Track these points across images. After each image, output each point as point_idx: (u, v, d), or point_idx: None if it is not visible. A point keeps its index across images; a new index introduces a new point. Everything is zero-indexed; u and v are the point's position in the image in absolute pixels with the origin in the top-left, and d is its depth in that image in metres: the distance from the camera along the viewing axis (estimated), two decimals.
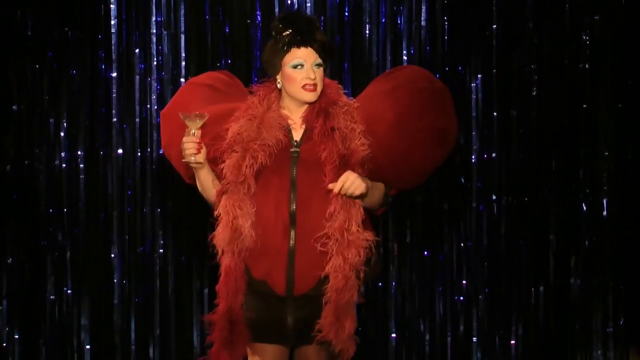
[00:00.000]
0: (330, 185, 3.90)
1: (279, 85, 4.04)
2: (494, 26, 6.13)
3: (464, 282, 6.20)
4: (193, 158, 3.93)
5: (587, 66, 6.15)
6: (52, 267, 6.13)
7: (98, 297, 6.15)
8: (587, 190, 6.16)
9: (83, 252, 6.13)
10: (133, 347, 6.17)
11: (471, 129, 6.17)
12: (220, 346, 4.04)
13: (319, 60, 3.98)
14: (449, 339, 6.22)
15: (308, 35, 3.97)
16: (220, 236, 3.99)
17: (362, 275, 3.97)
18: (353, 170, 3.92)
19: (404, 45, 6.12)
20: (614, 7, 6.12)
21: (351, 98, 4.11)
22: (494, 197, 6.18)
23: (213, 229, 4.01)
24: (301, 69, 3.98)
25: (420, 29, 6.13)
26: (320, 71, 3.99)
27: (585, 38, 6.15)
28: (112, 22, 6.11)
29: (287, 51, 3.98)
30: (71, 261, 6.13)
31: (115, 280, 6.15)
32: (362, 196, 3.94)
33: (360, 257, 3.94)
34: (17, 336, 6.14)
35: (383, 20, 6.12)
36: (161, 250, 6.16)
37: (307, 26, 3.98)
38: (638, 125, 6.15)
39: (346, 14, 6.11)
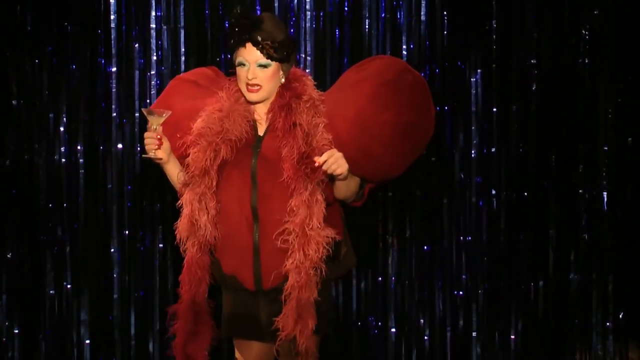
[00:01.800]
0: (316, 158, 3.86)
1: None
2: (494, 21, 6.13)
3: (463, 277, 6.20)
4: (153, 153, 3.95)
5: (586, 61, 6.15)
6: (51, 262, 6.12)
7: (98, 292, 6.15)
8: (587, 185, 6.16)
9: (83, 247, 6.13)
10: (133, 342, 6.17)
11: (471, 124, 6.17)
12: (185, 338, 4.06)
13: (264, 60, 3.94)
14: (448, 333, 6.22)
15: (250, 34, 3.94)
16: (179, 230, 4.06)
17: (323, 272, 3.96)
18: (314, 167, 3.91)
19: (403, 40, 6.12)
20: (613, 1, 6.12)
21: (320, 92, 4.08)
22: (493, 192, 6.18)
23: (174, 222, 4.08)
24: (243, 68, 3.97)
25: (419, 24, 6.12)
26: (264, 71, 3.94)
27: (584, 33, 6.15)
28: (112, 17, 6.10)
29: (236, 49, 3.99)
30: (71, 256, 6.13)
31: (115, 275, 6.15)
32: (340, 177, 3.90)
33: (319, 253, 3.93)
34: (16, 331, 6.14)
35: (382, 15, 6.12)
36: (161, 245, 6.16)
37: (251, 25, 3.95)
38: (637, 120, 6.15)
39: (346, 8, 6.11)
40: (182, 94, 4.15)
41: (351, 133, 3.98)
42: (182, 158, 4.06)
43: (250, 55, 3.96)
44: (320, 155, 3.88)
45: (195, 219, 3.98)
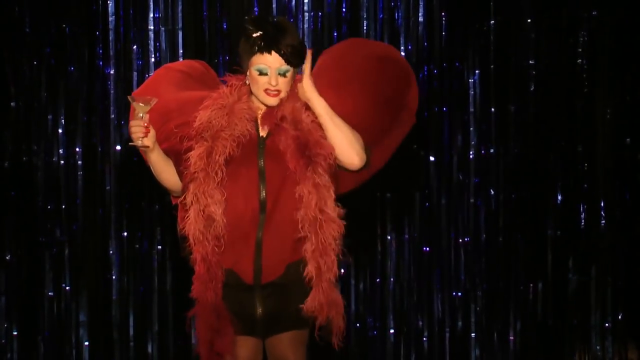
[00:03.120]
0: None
1: (247, 82, 4.05)
2: (492, 22, 6.14)
3: (462, 277, 6.20)
4: (140, 142, 3.93)
5: (584, 62, 6.16)
6: (50, 264, 6.13)
7: (96, 294, 6.15)
8: (585, 186, 6.17)
9: (81, 249, 6.13)
10: (131, 343, 6.17)
11: (469, 125, 6.17)
12: (210, 337, 4.04)
13: (285, 67, 3.94)
14: (447, 334, 6.22)
15: (274, 41, 3.93)
16: (193, 225, 4.00)
17: (340, 252, 3.99)
18: (314, 150, 3.92)
19: (401, 41, 6.13)
20: (611, 2, 6.13)
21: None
22: (492, 193, 6.18)
23: (174, 222, 4.05)
24: (263, 75, 3.96)
25: (417, 25, 6.13)
26: (285, 78, 3.95)
27: (582, 34, 6.15)
28: (110, 19, 6.11)
29: (254, 54, 3.96)
30: (69, 257, 6.13)
31: (113, 277, 6.15)
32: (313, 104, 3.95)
33: (337, 234, 3.96)
34: (15, 332, 6.14)
35: (380, 16, 6.13)
36: (159, 247, 6.16)
37: (274, 31, 3.94)
38: (635, 121, 6.16)
39: (344, 9, 6.12)
40: (174, 83, 4.14)
41: (363, 92, 4.05)
42: (173, 151, 4.05)
43: (273, 62, 3.94)
44: (315, 137, 3.92)
45: (212, 212, 3.96)
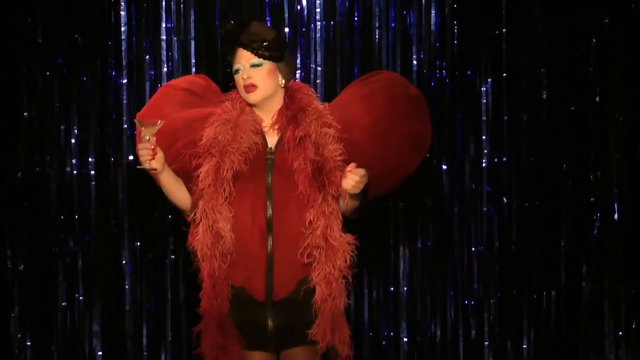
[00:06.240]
0: (351, 165, 3.90)
1: None
2: (504, 30, 6.14)
3: (475, 286, 6.19)
4: (148, 164, 3.94)
5: (596, 69, 6.15)
6: (63, 274, 6.13)
7: (109, 304, 6.15)
8: (598, 194, 6.16)
9: (94, 259, 6.13)
10: (145, 353, 6.17)
11: (481, 133, 6.17)
12: (216, 354, 4.03)
13: (255, 60, 3.98)
14: (460, 343, 6.21)
15: (234, 37, 3.98)
16: (201, 241, 4.01)
17: (349, 278, 3.99)
18: (329, 177, 3.94)
19: (413, 50, 6.13)
20: (623, 10, 6.13)
21: (325, 103, 4.11)
22: (504, 201, 6.17)
23: (186, 234, 4.05)
24: (239, 73, 4.01)
25: (429, 33, 6.13)
26: (258, 70, 3.98)
27: (594, 41, 6.15)
28: (122, 29, 6.12)
29: (230, 59, 4.04)
30: (82, 268, 6.13)
31: (126, 287, 6.15)
32: (352, 196, 3.96)
33: (347, 261, 3.97)
34: (28, 343, 6.14)
35: (392, 25, 6.13)
36: (172, 257, 6.16)
37: (234, 29, 3.99)
38: None
39: (355, 18, 6.12)
40: (177, 102, 4.15)
41: (370, 143, 4.02)
42: (183, 170, 4.05)
43: (241, 57, 4.00)
44: (332, 164, 3.92)
45: (220, 228, 3.96)
